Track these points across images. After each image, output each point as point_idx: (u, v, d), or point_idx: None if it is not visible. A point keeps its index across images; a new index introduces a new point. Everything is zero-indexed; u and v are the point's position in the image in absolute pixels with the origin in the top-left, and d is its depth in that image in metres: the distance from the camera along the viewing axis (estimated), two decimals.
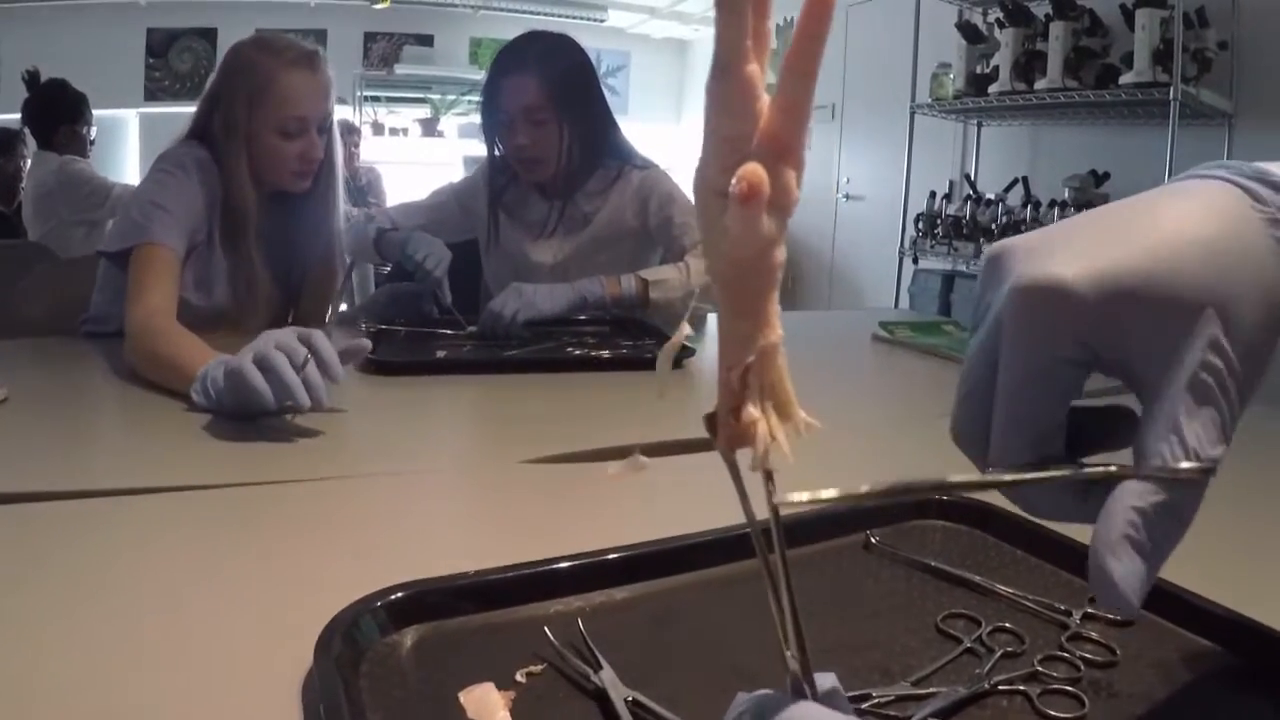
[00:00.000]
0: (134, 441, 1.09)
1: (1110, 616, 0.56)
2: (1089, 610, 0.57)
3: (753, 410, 0.30)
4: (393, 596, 0.54)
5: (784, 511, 0.33)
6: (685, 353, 1.39)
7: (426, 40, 8.20)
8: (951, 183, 4.53)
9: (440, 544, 0.73)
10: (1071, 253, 0.38)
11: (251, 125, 1.55)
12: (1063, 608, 0.57)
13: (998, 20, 3.87)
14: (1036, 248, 0.39)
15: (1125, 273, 0.37)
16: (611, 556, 0.61)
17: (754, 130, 0.28)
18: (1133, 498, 0.35)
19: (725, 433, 0.32)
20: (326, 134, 1.64)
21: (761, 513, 0.34)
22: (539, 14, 7.43)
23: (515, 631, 0.54)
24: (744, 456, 0.31)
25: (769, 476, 0.31)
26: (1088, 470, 0.38)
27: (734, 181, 0.27)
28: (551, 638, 0.52)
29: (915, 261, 4.46)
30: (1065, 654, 0.52)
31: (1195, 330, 0.36)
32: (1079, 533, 0.63)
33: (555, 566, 0.59)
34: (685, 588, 0.61)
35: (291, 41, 1.62)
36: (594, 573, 0.60)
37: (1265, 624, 0.52)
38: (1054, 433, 0.40)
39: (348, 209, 1.97)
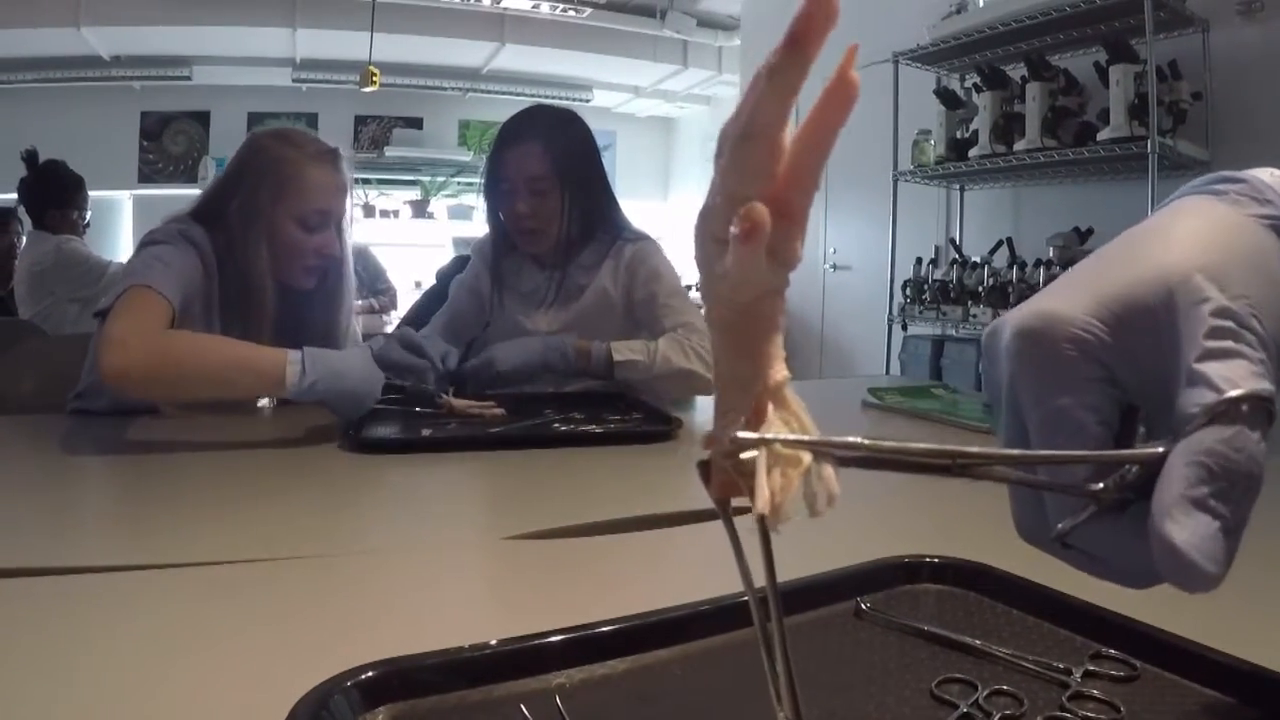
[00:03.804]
0: (114, 519, 1.08)
1: (1113, 673, 0.54)
2: (1090, 668, 0.55)
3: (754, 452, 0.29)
4: (365, 675, 0.51)
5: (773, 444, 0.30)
6: (674, 424, 1.39)
7: (416, 123, 8.34)
8: (937, 248, 4.57)
9: (420, 622, 0.71)
10: (1059, 291, 0.38)
11: (275, 215, 1.55)
12: (1062, 666, 0.55)
13: (975, 85, 3.94)
14: (1027, 301, 0.39)
15: (1113, 285, 0.36)
16: (591, 631, 0.58)
17: (764, 193, 0.28)
18: (1183, 457, 0.32)
19: (719, 480, 0.31)
20: (340, 232, 1.65)
21: (754, 565, 0.32)
22: (526, 95, 7.56)
23: (492, 710, 0.52)
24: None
25: (764, 531, 0.30)
26: (1120, 453, 0.35)
27: (736, 219, 0.27)
28: (529, 716, 0.49)
29: (904, 328, 4.47)
30: (1067, 714, 0.50)
31: (1191, 299, 0.35)
32: (1077, 587, 0.62)
33: (533, 643, 0.57)
34: (668, 662, 0.58)
35: (313, 136, 1.66)
36: (573, 648, 0.57)
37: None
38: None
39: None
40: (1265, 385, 0.32)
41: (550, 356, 1.68)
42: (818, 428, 0.30)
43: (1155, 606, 0.57)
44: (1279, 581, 0.78)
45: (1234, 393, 0.32)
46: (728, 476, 0.30)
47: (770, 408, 0.30)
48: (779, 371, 0.30)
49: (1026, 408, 0.38)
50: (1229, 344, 0.33)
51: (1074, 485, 0.36)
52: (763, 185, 0.28)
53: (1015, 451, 0.35)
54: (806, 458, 0.29)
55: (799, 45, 0.28)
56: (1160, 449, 0.33)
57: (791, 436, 0.29)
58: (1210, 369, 0.33)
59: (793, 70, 0.28)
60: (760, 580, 0.32)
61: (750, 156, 0.28)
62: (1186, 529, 0.31)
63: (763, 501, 0.28)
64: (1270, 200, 0.40)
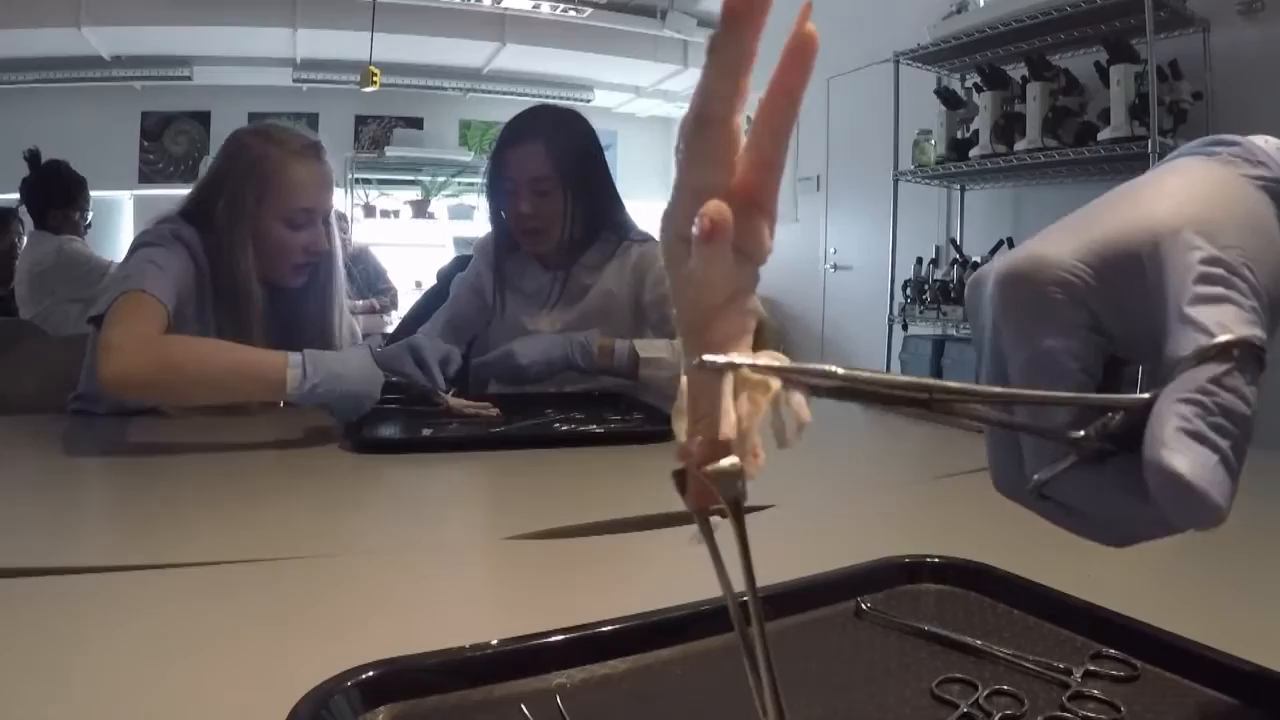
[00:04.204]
0: (114, 519, 1.08)
1: (1114, 674, 0.54)
2: (1091, 668, 0.54)
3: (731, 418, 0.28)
4: (365, 675, 0.51)
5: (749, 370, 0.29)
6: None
7: (416, 123, 8.34)
8: (938, 248, 4.56)
9: (420, 622, 0.71)
10: (1048, 237, 0.38)
11: (259, 215, 1.55)
12: (1063, 666, 0.55)
13: (975, 85, 3.94)
14: (1015, 249, 0.38)
15: (1103, 232, 0.36)
16: (591, 631, 0.58)
17: (727, 182, 0.27)
18: (1174, 395, 0.31)
19: (695, 489, 0.30)
20: (328, 227, 1.64)
21: (735, 573, 0.31)
22: (527, 95, 7.56)
23: (492, 710, 0.52)
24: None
25: (737, 510, 0.29)
26: (1106, 396, 0.34)
27: (697, 219, 0.26)
28: (529, 716, 0.49)
29: (905, 328, 4.47)
30: (1067, 714, 0.50)
31: (1181, 248, 0.34)
32: (1079, 588, 0.62)
33: (533, 643, 0.57)
34: (669, 662, 0.58)
35: (294, 131, 1.64)
36: (574, 648, 0.57)
37: None
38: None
39: (353, 303, 1.98)
40: (1257, 331, 0.31)
41: (573, 352, 1.67)
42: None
43: (1156, 606, 0.57)
44: (1279, 581, 0.77)
45: (1225, 337, 0.31)
46: (704, 485, 0.29)
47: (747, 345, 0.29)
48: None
49: (1009, 351, 0.37)
50: (1220, 290, 0.32)
51: (1054, 430, 0.35)
52: (724, 174, 0.27)
53: (995, 389, 0.34)
54: (775, 384, 0.28)
55: (735, 20, 0.27)
56: (1147, 395, 0.32)
57: (760, 361, 0.28)
58: (1201, 313, 0.32)
59: (733, 46, 0.27)
60: (743, 585, 0.31)
61: (707, 144, 0.27)
62: (1188, 458, 0.29)
63: (728, 426, 0.27)
64: (1264, 163, 0.40)
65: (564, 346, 1.67)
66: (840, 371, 0.29)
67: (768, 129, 0.27)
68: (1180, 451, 0.29)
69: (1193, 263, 0.33)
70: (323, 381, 1.29)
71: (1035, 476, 0.35)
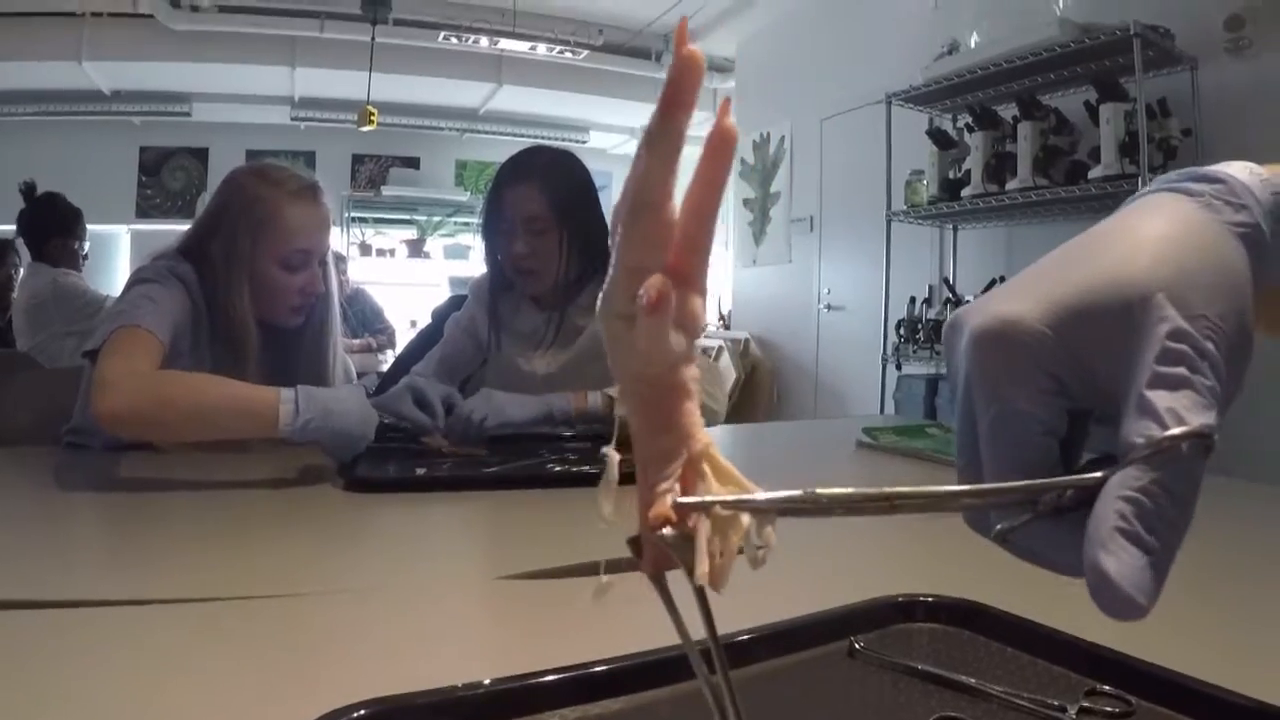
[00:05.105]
0: (107, 553, 1.07)
1: (1109, 710, 0.54)
2: (1085, 705, 0.54)
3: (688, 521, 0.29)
4: (355, 714, 0.51)
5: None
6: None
7: (413, 162, 8.38)
8: (931, 287, 4.58)
9: (412, 661, 0.70)
10: (1018, 293, 0.38)
11: (255, 257, 1.55)
12: (1057, 704, 0.54)
13: (967, 125, 3.98)
14: (987, 299, 0.39)
15: (1071, 293, 0.36)
16: (584, 671, 0.58)
17: (662, 263, 0.29)
18: (1118, 489, 0.32)
19: (650, 554, 0.31)
20: (324, 267, 1.64)
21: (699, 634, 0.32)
22: (523, 136, 7.61)
23: None
24: (675, 580, 0.30)
25: (702, 596, 0.30)
26: (1057, 480, 0.35)
27: (640, 293, 0.28)
28: None
29: (899, 368, 4.48)
30: None
31: (1149, 318, 0.35)
32: (1072, 625, 0.62)
33: (525, 682, 0.56)
34: (661, 702, 0.58)
35: (292, 172, 1.63)
36: (566, 688, 0.57)
37: (1276, 704, 0.50)
38: (1048, 476, 0.36)
39: (348, 342, 1.98)
40: (1208, 421, 0.33)
41: (556, 412, 1.67)
42: (758, 485, 0.30)
43: (1151, 641, 0.57)
44: (1276, 615, 0.77)
45: (1176, 430, 0.32)
46: (659, 550, 0.30)
47: (708, 473, 0.30)
48: (701, 437, 0.30)
49: (978, 408, 0.38)
50: (1180, 371, 0.33)
51: (1011, 503, 0.36)
52: (660, 256, 0.29)
53: (947, 489, 0.34)
54: (746, 519, 0.29)
55: (670, 112, 0.28)
56: (1100, 475, 0.33)
57: (732, 497, 0.29)
58: (1157, 399, 0.33)
59: (669, 138, 0.28)
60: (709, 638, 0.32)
61: (642, 229, 0.29)
62: (1118, 560, 0.31)
63: (703, 571, 0.28)
64: (1246, 205, 0.39)
65: (535, 411, 1.66)
66: (802, 494, 0.30)
67: (694, 217, 0.29)
68: (1113, 552, 0.31)
69: (1159, 336, 0.34)
70: (316, 417, 1.29)
71: (998, 527, 0.36)
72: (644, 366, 0.29)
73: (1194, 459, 0.32)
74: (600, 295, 0.30)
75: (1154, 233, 0.38)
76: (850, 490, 0.31)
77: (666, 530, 0.29)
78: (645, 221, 0.28)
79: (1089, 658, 0.59)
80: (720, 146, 0.28)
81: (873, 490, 0.31)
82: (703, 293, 0.30)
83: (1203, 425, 0.32)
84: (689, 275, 0.29)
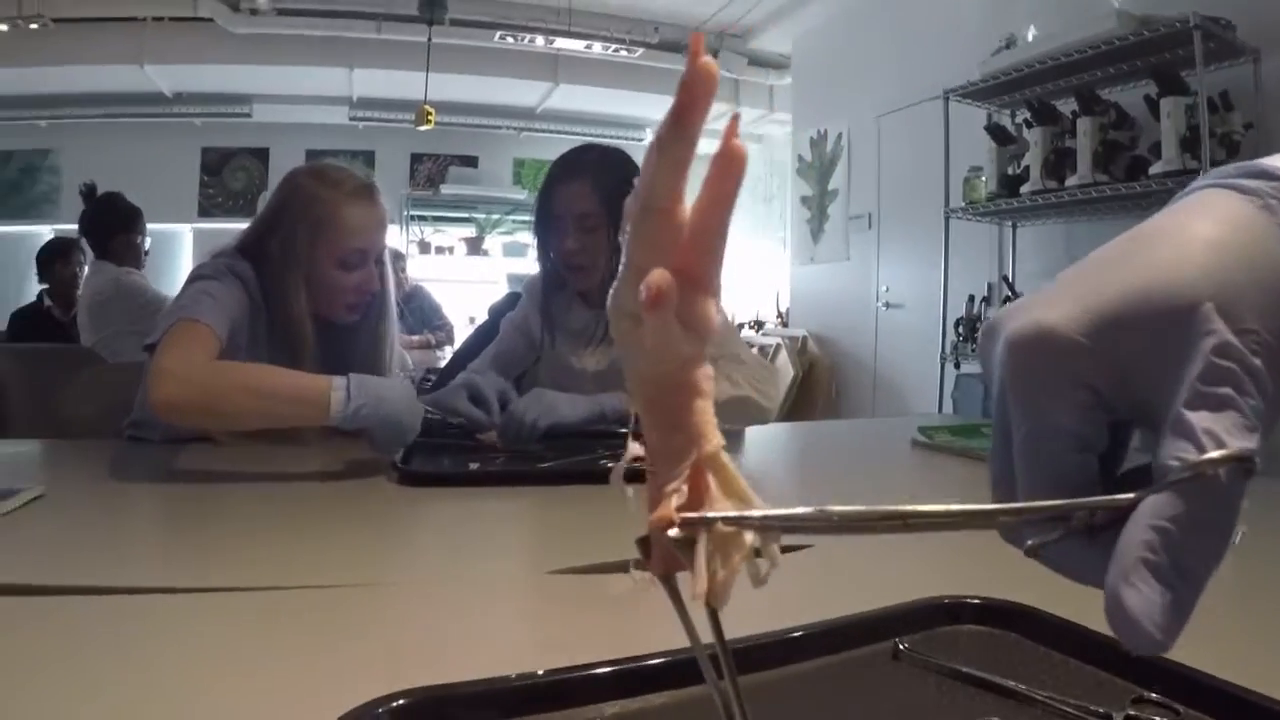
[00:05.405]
0: (165, 543, 1.10)
1: (1155, 718, 0.53)
2: (1131, 713, 0.54)
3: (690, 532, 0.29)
4: (396, 703, 0.52)
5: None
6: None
7: (471, 161, 8.44)
8: (990, 285, 4.53)
9: (460, 653, 0.71)
10: (1057, 298, 0.36)
11: (312, 256, 1.58)
12: (1102, 711, 0.54)
13: (1025, 120, 3.92)
14: (1025, 303, 0.37)
15: (1112, 301, 0.34)
16: (630, 665, 0.58)
17: (671, 265, 0.29)
18: (1148, 516, 0.31)
19: (659, 555, 0.31)
20: (381, 266, 1.67)
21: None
22: (580, 135, 7.62)
23: None
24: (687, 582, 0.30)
25: (713, 612, 0.30)
26: (1085, 501, 0.33)
27: (641, 289, 0.27)
28: None
29: (957, 366, 4.43)
30: None
31: (1194, 330, 0.33)
32: None
33: (565, 676, 0.57)
34: (698, 701, 0.57)
35: (349, 172, 1.66)
36: (611, 681, 0.57)
37: None
38: (1085, 493, 0.35)
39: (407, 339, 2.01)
40: (1248, 444, 0.31)
41: (609, 412, 1.66)
42: (763, 500, 0.29)
43: (1199, 649, 0.56)
44: None
45: (1215, 454, 0.30)
46: (668, 552, 0.29)
47: (711, 481, 0.29)
48: (713, 440, 0.29)
49: (1013, 421, 0.36)
50: (1224, 391, 0.31)
51: (1040, 521, 0.34)
52: (669, 258, 0.28)
53: (965, 508, 0.33)
54: (749, 537, 0.28)
55: (683, 118, 0.28)
56: (1131, 496, 0.32)
57: (735, 514, 0.29)
58: (1197, 420, 0.31)
59: (680, 143, 0.28)
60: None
61: (651, 230, 0.29)
62: (1139, 595, 0.30)
63: (700, 589, 0.28)
64: None
65: (586, 411, 1.66)
66: (809, 512, 0.29)
67: (705, 223, 0.29)
68: (1134, 585, 0.30)
69: (1204, 351, 0.32)
70: (367, 404, 1.31)
71: (1029, 542, 0.35)
72: (652, 365, 0.29)
73: (1232, 484, 0.31)
74: (610, 293, 0.30)
75: (1203, 235, 0.35)
76: (862, 508, 0.29)
77: (673, 533, 0.29)
78: (653, 224, 0.29)
79: (1136, 664, 0.58)
80: (728, 165, 0.28)
81: (886, 508, 0.30)
82: (715, 295, 0.29)
83: (1243, 449, 0.31)
84: (699, 277, 0.29)
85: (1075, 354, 0.34)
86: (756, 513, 0.29)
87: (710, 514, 0.29)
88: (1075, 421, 0.35)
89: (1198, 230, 0.35)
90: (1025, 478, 0.36)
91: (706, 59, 0.27)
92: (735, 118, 0.29)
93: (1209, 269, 0.34)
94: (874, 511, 0.29)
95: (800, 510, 0.29)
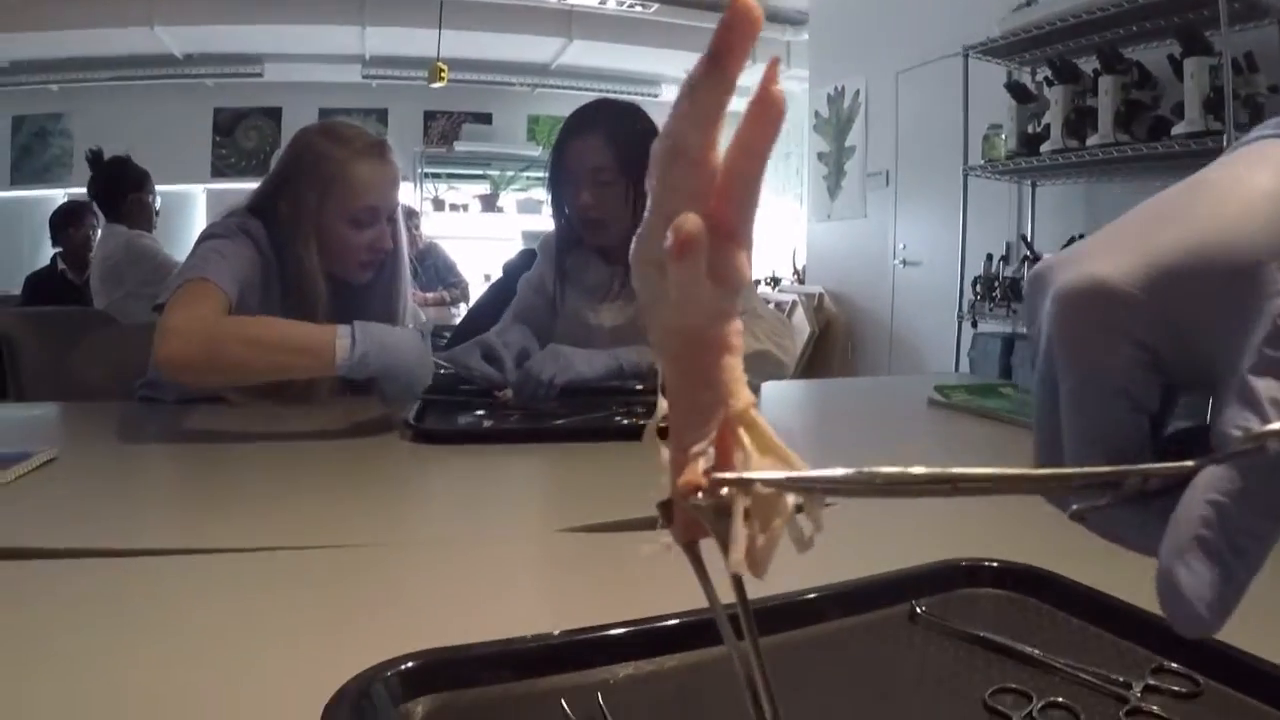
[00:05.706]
0: (177, 504, 1.10)
1: (1175, 689, 0.52)
2: (1151, 682, 0.53)
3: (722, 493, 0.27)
4: (405, 665, 0.51)
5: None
6: None
7: (485, 118, 8.39)
8: (1008, 244, 4.48)
9: (467, 612, 0.71)
10: (1111, 248, 0.34)
11: (322, 215, 1.57)
12: (1122, 679, 0.53)
13: (1046, 79, 3.86)
14: (1076, 253, 0.35)
15: (1169, 254, 0.32)
16: (636, 628, 0.58)
17: (701, 212, 0.26)
18: (1205, 490, 0.29)
19: (682, 521, 0.29)
20: (393, 224, 1.65)
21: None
22: (594, 90, 7.55)
23: (532, 705, 0.51)
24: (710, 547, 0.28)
25: (739, 582, 0.28)
26: (1140, 468, 0.31)
27: (668, 235, 0.25)
28: (569, 712, 0.49)
29: (974, 325, 4.40)
30: None
31: (1259, 290, 0.30)
32: (1141, 597, 0.60)
33: (577, 638, 0.56)
34: (713, 662, 0.57)
35: (359, 130, 1.65)
36: (618, 644, 0.57)
37: None
38: (1135, 455, 0.34)
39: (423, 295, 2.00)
40: None
41: (627, 367, 1.65)
42: (816, 449, 0.28)
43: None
44: None
45: (1275, 427, 0.28)
46: (692, 517, 0.28)
47: (745, 438, 0.27)
48: (743, 395, 0.27)
49: (1060, 378, 0.34)
50: None
51: (1089, 486, 0.32)
52: (699, 206, 0.26)
53: (1015, 472, 0.31)
54: (790, 499, 0.26)
55: (719, 61, 0.26)
56: (1191, 464, 0.30)
57: (775, 474, 0.26)
58: (1263, 387, 0.29)
59: (714, 88, 0.26)
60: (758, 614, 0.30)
61: (682, 178, 0.27)
62: (1192, 573, 0.28)
63: (737, 558, 0.26)
64: None
65: (615, 359, 1.66)
66: (853, 473, 0.27)
67: (738, 172, 0.27)
68: (1188, 564, 0.28)
69: (1271, 313, 0.30)
70: (371, 350, 1.30)
71: (1074, 506, 0.33)
72: (678, 318, 0.27)
73: None
74: (634, 240, 0.28)
75: (1264, 188, 0.33)
76: (908, 469, 0.27)
77: (700, 498, 0.27)
78: (683, 171, 0.27)
79: (1158, 633, 0.57)
80: (764, 112, 0.26)
81: (933, 470, 0.27)
82: (744, 248, 0.27)
83: None
84: (731, 229, 0.27)
85: (1131, 309, 0.32)
86: (797, 474, 0.27)
87: (748, 474, 0.27)
88: (1128, 380, 0.33)
89: (1259, 182, 0.33)
90: (1073, 439, 0.34)
91: None
92: (775, 61, 0.26)
93: (1272, 225, 0.32)
94: (920, 474, 0.27)
95: (841, 471, 0.27)
